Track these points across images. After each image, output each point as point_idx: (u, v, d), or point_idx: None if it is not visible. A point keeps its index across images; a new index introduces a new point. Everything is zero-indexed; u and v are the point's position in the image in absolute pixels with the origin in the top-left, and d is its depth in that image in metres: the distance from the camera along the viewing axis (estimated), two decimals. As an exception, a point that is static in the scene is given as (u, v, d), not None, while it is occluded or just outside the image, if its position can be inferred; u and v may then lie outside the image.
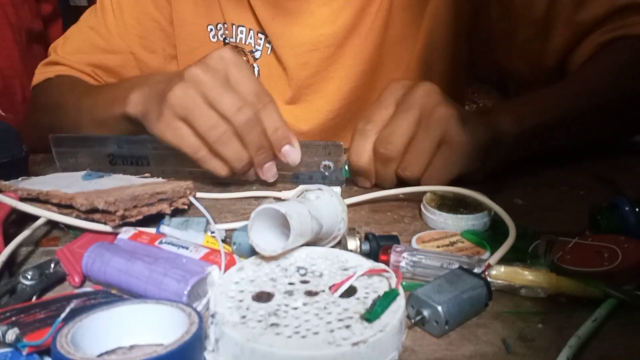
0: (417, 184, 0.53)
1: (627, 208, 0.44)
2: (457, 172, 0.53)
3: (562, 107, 0.62)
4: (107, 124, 0.64)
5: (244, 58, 0.79)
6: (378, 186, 0.56)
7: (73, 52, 0.81)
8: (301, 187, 0.43)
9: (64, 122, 0.72)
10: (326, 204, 0.41)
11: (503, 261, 0.39)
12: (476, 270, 0.37)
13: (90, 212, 0.44)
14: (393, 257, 0.39)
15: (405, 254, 0.39)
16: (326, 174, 0.57)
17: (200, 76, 0.52)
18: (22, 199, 0.47)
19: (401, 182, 0.55)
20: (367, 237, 0.42)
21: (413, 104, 0.53)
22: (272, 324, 0.30)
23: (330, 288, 0.34)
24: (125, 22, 0.80)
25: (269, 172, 0.56)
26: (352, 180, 0.58)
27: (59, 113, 0.73)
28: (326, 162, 0.57)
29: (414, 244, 0.44)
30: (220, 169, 0.54)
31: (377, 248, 0.41)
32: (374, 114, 0.55)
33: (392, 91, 0.55)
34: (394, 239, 0.42)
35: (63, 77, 0.79)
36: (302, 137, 0.78)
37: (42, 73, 0.82)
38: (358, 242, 0.42)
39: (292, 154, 0.54)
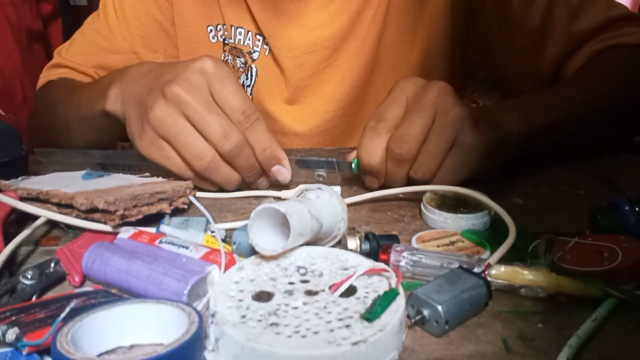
0: (425, 184, 0.53)
1: (627, 208, 0.44)
2: (468, 174, 0.52)
3: (561, 108, 0.63)
4: (91, 121, 0.64)
5: (242, 59, 0.79)
6: (385, 186, 0.54)
7: (76, 54, 0.81)
8: (301, 186, 0.43)
9: (56, 122, 0.71)
10: (326, 203, 0.41)
11: (503, 261, 0.39)
12: (476, 270, 0.37)
13: (90, 212, 0.44)
14: (393, 257, 0.39)
15: (405, 254, 0.39)
16: (320, 180, 0.57)
17: (182, 97, 0.49)
18: (22, 199, 0.47)
19: (409, 183, 0.54)
20: (367, 237, 0.42)
21: (427, 104, 0.51)
22: (272, 324, 0.30)
23: (330, 287, 0.34)
24: (128, 23, 0.80)
25: (261, 184, 0.55)
26: (359, 177, 0.57)
27: (51, 114, 0.73)
28: (320, 172, 0.57)
29: (414, 244, 0.44)
30: (211, 188, 0.54)
31: (377, 247, 0.41)
32: (386, 111, 0.53)
33: (403, 89, 0.54)
34: (394, 239, 0.42)
35: (63, 79, 0.79)
36: (299, 139, 0.78)
37: (45, 77, 0.82)
38: (358, 242, 0.42)
39: (282, 173, 0.53)
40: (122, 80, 0.57)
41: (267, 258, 0.37)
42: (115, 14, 0.81)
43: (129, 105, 0.55)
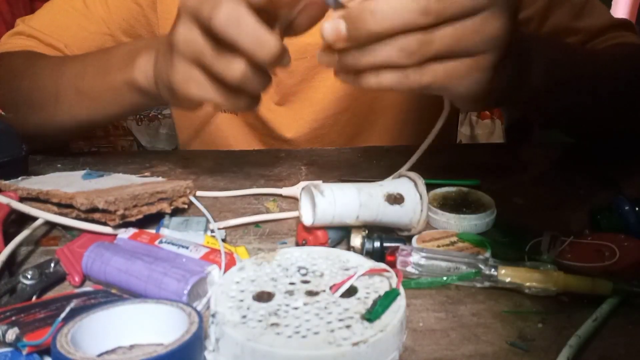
0: None
1: (627, 207, 0.44)
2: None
3: (588, 61, 0.60)
4: (99, 92, 0.60)
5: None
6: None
7: (44, 24, 0.75)
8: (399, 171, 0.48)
9: (33, 93, 0.65)
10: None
11: (509, 261, 0.39)
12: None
13: (90, 212, 0.44)
14: (400, 258, 0.39)
15: (413, 255, 0.39)
16: None
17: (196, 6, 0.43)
18: (22, 199, 0.47)
19: None
20: (371, 237, 0.42)
21: None
22: (273, 324, 0.30)
23: (331, 288, 0.34)
24: (108, 2, 0.76)
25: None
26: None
27: (24, 82, 0.66)
28: None
29: (414, 244, 0.44)
30: (242, 106, 0.48)
31: (381, 248, 0.41)
32: None
33: None
34: (400, 241, 0.42)
35: (33, 52, 0.73)
36: (287, 145, 0.77)
37: (5, 44, 0.75)
38: (362, 240, 0.42)
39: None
40: (152, 47, 0.54)
41: (268, 258, 0.37)
42: None
43: (158, 58, 0.52)
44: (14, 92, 0.67)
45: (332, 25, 0.39)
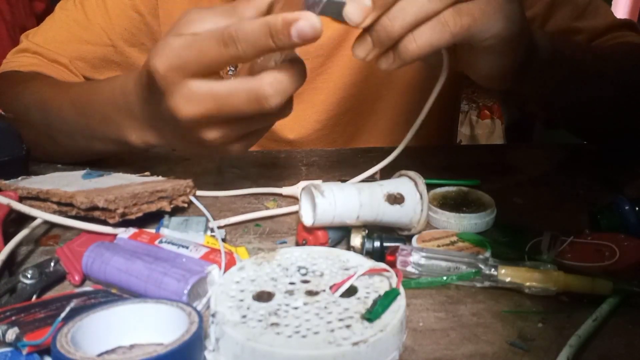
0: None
1: (627, 207, 0.44)
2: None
3: (583, 54, 0.60)
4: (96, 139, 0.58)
5: (232, 67, 0.77)
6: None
7: (48, 40, 0.75)
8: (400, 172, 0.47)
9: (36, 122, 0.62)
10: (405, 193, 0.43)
11: (509, 261, 0.39)
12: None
13: (90, 210, 0.44)
14: (400, 258, 0.39)
15: (413, 255, 0.39)
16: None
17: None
18: (22, 198, 0.47)
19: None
20: (371, 237, 0.42)
21: None
22: (273, 324, 0.30)
23: (330, 288, 0.34)
24: (109, 12, 0.76)
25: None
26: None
27: (26, 111, 0.64)
28: None
29: (414, 243, 0.44)
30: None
31: (381, 248, 0.41)
32: None
33: None
34: (400, 241, 0.42)
35: (38, 74, 0.71)
36: (288, 146, 0.77)
37: (11, 62, 0.75)
38: (362, 240, 0.42)
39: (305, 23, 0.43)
40: (135, 117, 0.51)
41: (268, 258, 0.37)
42: (96, 2, 0.76)
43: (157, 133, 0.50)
44: (15, 102, 0.65)
45: (355, 4, 0.40)
